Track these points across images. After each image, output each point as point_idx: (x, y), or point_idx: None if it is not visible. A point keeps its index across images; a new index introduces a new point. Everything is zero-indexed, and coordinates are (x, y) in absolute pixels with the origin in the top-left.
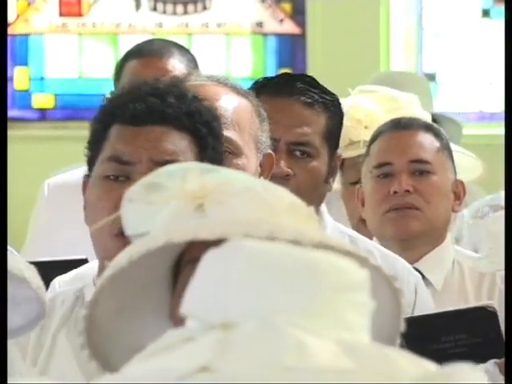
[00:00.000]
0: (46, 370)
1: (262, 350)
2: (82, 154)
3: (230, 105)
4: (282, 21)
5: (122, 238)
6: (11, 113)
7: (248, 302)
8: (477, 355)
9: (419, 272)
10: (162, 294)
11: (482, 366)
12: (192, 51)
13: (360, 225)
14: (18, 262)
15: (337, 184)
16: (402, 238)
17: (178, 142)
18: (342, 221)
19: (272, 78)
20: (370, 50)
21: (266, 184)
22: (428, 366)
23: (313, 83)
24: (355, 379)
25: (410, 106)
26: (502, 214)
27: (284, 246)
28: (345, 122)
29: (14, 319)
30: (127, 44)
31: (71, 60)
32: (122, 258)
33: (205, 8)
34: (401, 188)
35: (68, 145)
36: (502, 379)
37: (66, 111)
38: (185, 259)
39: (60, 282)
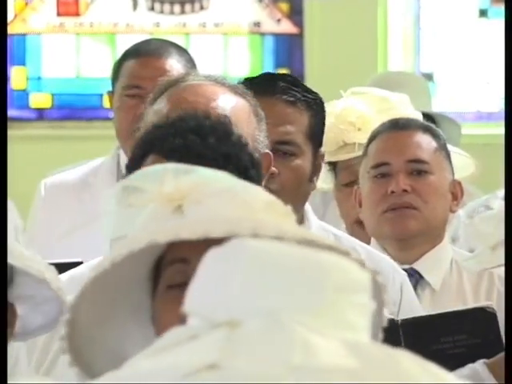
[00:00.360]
0: (49, 375)
1: (269, 348)
2: (80, 153)
3: (227, 104)
4: (279, 21)
5: None
6: (9, 112)
7: (252, 300)
8: (476, 356)
9: (417, 272)
10: (142, 298)
11: (470, 366)
12: (190, 51)
13: (355, 226)
14: (38, 263)
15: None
16: (399, 238)
17: None
18: (338, 222)
19: (254, 77)
20: (367, 50)
21: (244, 183)
22: (430, 367)
23: (295, 82)
24: (361, 379)
25: (402, 106)
26: (489, 214)
27: (287, 246)
28: (337, 124)
29: (34, 318)
30: (125, 44)
31: (69, 60)
32: (105, 260)
33: (202, 8)
34: (398, 188)
35: (65, 144)
36: (491, 379)
37: (64, 111)
38: (165, 260)
39: None
